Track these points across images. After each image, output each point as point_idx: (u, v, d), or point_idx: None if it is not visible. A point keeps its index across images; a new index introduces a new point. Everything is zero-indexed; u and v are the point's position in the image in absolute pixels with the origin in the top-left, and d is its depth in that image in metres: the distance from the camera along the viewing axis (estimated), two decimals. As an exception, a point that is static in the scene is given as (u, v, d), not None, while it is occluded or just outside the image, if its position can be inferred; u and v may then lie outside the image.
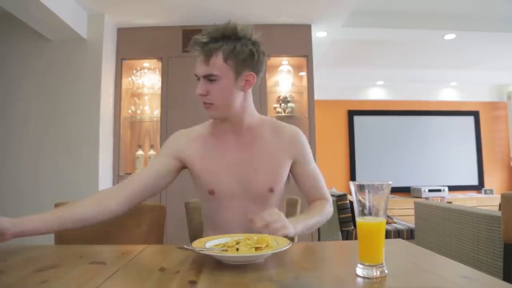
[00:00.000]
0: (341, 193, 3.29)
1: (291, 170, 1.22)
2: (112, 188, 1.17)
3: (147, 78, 3.41)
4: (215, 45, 1.06)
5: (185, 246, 0.84)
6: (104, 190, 1.15)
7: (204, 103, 1.11)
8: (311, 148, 1.26)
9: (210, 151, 1.17)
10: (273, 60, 3.33)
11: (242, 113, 1.14)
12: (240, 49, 1.07)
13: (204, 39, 1.06)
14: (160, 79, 3.25)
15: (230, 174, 1.14)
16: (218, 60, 1.06)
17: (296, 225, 1.02)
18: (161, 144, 3.16)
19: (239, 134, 1.17)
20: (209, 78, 1.07)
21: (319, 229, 3.12)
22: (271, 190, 1.15)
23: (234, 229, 1.10)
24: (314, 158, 1.28)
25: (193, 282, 0.66)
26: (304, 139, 1.24)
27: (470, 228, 1.87)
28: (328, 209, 1.22)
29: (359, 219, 0.72)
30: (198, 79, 1.10)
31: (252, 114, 1.18)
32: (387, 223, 2.90)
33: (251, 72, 1.10)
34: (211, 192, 1.14)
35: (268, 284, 0.66)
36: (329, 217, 1.21)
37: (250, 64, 1.09)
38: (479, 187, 5.69)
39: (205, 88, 1.08)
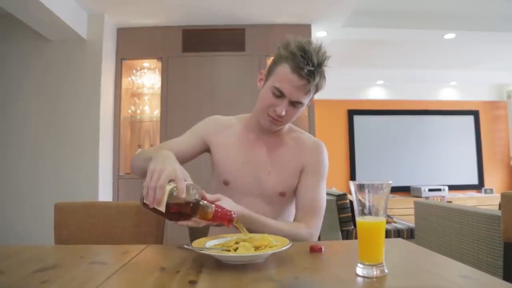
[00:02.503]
0: (341, 192, 3.29)
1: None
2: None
3: (147, 78, 3.41)
4: (316, 77, 1.05)
5: (185, 246, 0.84)
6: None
7: (274, 119, 1.11)
8: None
9: (235, 144, 1.20)
10: (273, 60, 3.32)
11: None
12: (323, 82, 1.10)
13: (312, 68, 1.03)
14: (160, 79, 3.25)
15: (246, 170, 1.17)
16: (312, 92, 1.09)
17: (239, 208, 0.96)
18: (161, 144, 3.16)
19: (268, 136, 1.20)
20: (295, 105, 1.09)
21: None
22: (282, 194, 1.17)
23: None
24: None
25: (193, 282, 0.66)
26: (324, 153, 1.21)
27: (470, 227, 1.87)
28: (300, 232, 1.07)
29: (359, 219, 0.72)
30: (280, 95, 1.07)
31: None
32: (387, 222, 2.90)
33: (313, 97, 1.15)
34: (226, 183, 1.17)
35: (268, 284, 0.66)
36: (296, 239, 1.01)
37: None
38: (479, 186, 5.68)
39: (286, 110, 1.09)
